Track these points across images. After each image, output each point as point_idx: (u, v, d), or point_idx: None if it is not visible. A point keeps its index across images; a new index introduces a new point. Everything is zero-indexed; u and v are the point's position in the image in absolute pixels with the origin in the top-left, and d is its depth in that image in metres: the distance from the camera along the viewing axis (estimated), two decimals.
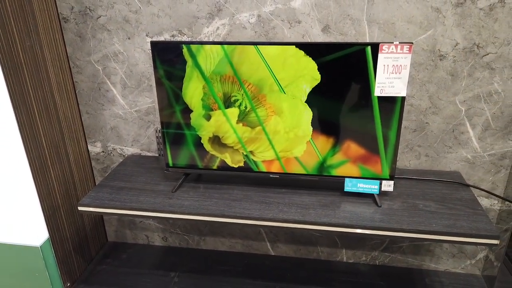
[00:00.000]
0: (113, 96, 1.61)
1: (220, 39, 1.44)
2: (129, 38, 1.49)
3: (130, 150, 1.72)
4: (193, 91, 1.31)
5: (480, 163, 1.48)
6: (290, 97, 1.25)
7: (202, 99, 1.31)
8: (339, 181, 1.34)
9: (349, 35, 1.36)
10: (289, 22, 1.37)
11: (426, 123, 1.45)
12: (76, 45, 1.54)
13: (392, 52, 1.15)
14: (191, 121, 1.35)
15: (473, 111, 1.40)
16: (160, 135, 1.63)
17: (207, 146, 1.38)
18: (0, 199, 1.43)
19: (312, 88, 1.23)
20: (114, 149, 1.73)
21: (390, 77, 1.18)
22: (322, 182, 1.41)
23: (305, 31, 1.38)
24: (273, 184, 1.43)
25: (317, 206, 1.31)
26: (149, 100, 1.59)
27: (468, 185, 1.42)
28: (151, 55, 1.35)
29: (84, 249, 1.76)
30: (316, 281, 1.67)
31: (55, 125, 1.49)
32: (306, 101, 1.25)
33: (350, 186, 1.33)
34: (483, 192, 1.51)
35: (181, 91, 1.32)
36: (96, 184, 1.81)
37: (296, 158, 1.34)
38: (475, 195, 1.37)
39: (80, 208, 1.37)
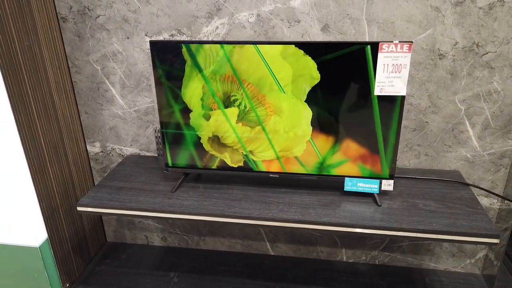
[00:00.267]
0: (112, 96, 1.61)
1: (219, 39, 1.44)
2: (128, 38, 1.49)
3: (129, 150, 1.71)
4: (192, 91, 1.31)
5: (480, 162, 1.48)
6: (290, 97, 1.25)
7: (201, 99, 1.31)
8: (339, 180, 1.34)
9: (349, 35, 1.36)
10: (288, 22, 1.37)
11: (426, 122, 1.45)
12: (74, 45, 1.54)
13: (392, 51, 1.15)
14: (190, 120, 1.35)
15: (473, 110, 1.40)
16: (159, 135, 1.62)
17: (207, 146, 1.38)
18: None
19: (312, 88, 1.23)
20: (113, 149, 1.72)
21: (390, 76, 1.18)
22: (322, 182, 1.41)
23: (304, 30, 1.38)
24: (273, 184, 1.43)
25: (317, 206, 1.30)
26: (148, 100, 1.59)
27: (467, 184, 1.42)
28: (150, 54, 1.35)
29: (83, 250, 1.75)
30: (316, 280, 1.67)
31: (53, 125, 1.49)
32: (305, 101, 1.25)
33: (350, 185, 1.33)
34: (482, 191, 1.51)
35: (180, 90, 1.31)
36: (95, 184, 1.81)
37: (296, 157, 1.34)
38: (475, 194, 1.37)
39: (79, 209, 1.36)
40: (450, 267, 1.71)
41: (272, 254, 1.84)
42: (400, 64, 1.16)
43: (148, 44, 1.48)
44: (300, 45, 1.19)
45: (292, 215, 1.25)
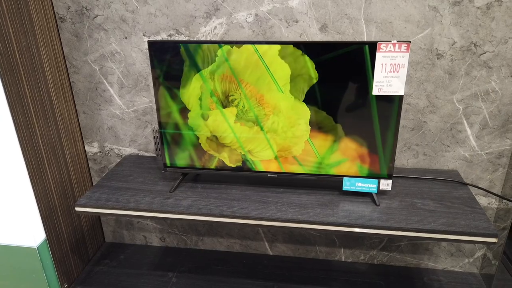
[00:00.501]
0: (110, 96, 1.61)
1: (217, 39, 1.44)
2: (126, 38, 1.49)
3: (127, 150, 1.71)
4: (190, 91, 1.30)
5: (478, 162, 1.48)
6: (288, 97, 1.25)
7: (199, 99, 1.31)
8: (337, 180, 1.34)
9: (347, 34, 1.36)
10: (286, 21, 1.37)
11: (424, 122, 1.45)
12: (72, 45, 1.53)
13: (390, 51, 1.15)
14: (188, 120, 1.35)
15: (471, 110, 1.41)
16: (157, 135, 1.62)
17: (205, 145, 1.38)
18: None
19: (310, 87, 1.23)
20: (111, 149, 1.72)
21: (388, 76, 1.18)
22: (321, 181, 1.41)
23: (302, 30, 1.38)
24: (271, 184, 1.43)
25: (316, 205, 1.30)
26: (147, 100, 1.59)
27: (466, 184, 1.42)
28: (148, 54, 1.35)
29: (82, 250, 1.75)
30: (315, 280, 1.67)
31: (51, 125, 1.48)
32: (304, 100, 1.25)
33: (348, 185, 1.33)
34: (481, 190, 1.51)
35: (179, 90, 1.31)
36: (93, 184, 1.80)
37: (294, 157, 1.34)
38: (473, 194, 1.37)
39: (77, 209, 1.36)
40: (449, 266, 1.72)
41: (271, 254, 1.84)
42: (398, 64, 1.16)
43: (146, 44, 1.48)
44: (298, 45, 1.19)
45: (291, 215, 1.25)
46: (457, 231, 1.17)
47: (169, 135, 1.39)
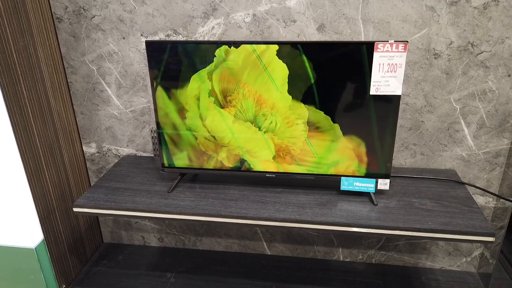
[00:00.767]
0: (108, 96, 1.60)
1: (215, 39, 1.44)
2: (123, 38, 1.49)
3: (125, 151, 1.71)
4: (188, 91, 1.30)
5: (475, 161, 1.49)
6: (286, 96, 1.25)
7: (197, 99, 1.31)
8: (335, 179, 1.34)
9: (344, 34, 1.36)
10: (284, 21, 1.37)
11: (421, 121, 1.45)
12: (70, 45, 1.53)
13: (387, 51, 1.16)
14: (186, 121, 1.35)
15: (468, 109, 1.41)
16: (155, 135, 1.62)
17: (203, 146, 1.38)
18: None
19: (308, 87, 1.23)
20: (109, 149, 1.72)
21: (385, 76, 1.18)
22: (319, 181, 1.41)
23: (300, 30, 1.38)
24: (270, 184, 1.43)
25: (314, 205, 1.31)
26: (144, 100, 1.58)
27: (463, 183, 1.43)
28: (146, 55, 1.35)
29: (80, 251, 1.75)
30: (313, 280, 1.67)
31: (49, 126, 1.48)
32: (301, 100, 1.25)
33: (346, 184, 1.33)
34: (478, 190, 1.51)
35: (177, 91, 1.31)
36: (91, 185, 1.80)
37: (292, 157, 1.34)
38: (470, 193, 1.37)
39: (75, 209, 1.36)
40: (446, 265, 1.72)
41: (269, 254, 1.84)
42: (396, 64, 1.17)
43: (144, 44, 1.48)
44: (296, 45, 1.20)
45: (289, 215, 1.26)
46: (454, 230, 1.17)
47: (167, 136, 1.38)
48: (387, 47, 1.15)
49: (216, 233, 1.83)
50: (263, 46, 1.21)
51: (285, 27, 1.38)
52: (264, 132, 1.31)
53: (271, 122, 1.30)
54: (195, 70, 1.27)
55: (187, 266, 1.77)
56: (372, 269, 1.74)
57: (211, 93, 1.29)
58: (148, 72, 1.48)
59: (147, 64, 1.49)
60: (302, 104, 1.26)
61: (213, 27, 1.42)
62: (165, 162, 1.43)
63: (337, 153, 1.31)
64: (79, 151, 1.71)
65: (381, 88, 1.20)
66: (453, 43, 1.32)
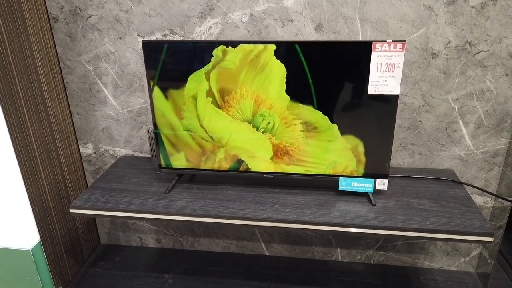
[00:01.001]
0: (104, 97, 1.59)
1: (212, 39, 1.43)
2: (120, 38, 1.48)
3: (122, 151, 1.70)
4: (186, 91, 1.30)
5: (473, 161, 1.48)
6: (284, 97, 1.25)
7: (195, 99, 1.30)
8: (334, 180, 1.34)
9: (342, 34, 1.36)
10: (281, 21, 1.37)
11: (419, 121, 1.45)
12: (66, 45, 1.52)
13: (385, 51, 1.15)
14: (184, 121, 1.34)
15: (466, 109, 1.41)
16: (152, 135, 1.61)
17: (201, 146, 1.37)
18: None
19: (306, 87, 1.23)
20: (106, 150, 1.71)
21: (383, 76, 1.18)
22: (317, 182, 1.41)
23: (298, 30, 1.37)
24: (268, 184, 1.43)
25: (312, 206, 1.30)
26: (141, 100, 1.58)
27: (461, 183, 1.42)
28: (142, 55, 1.34)
29: (77, 252, 1.74)
30: (311, 281, 1.67)
31: (45, 127, 1.47)
32: (299, 100, 1.25)
33: (344, 185, 1.33)
34: (476, 189, 1.51)
35: (174, 91, 1.30)
36: (88, 186, 1.79)
37: (290, 157, 1.33)
38: (469, 193, 1.37)
39: (71, 211, 1.35)
40: (445, 265, 1.72)
41: (267, 254, 1.83)
42: (394, 63, 1.16)
43: (140, 44, 1.47)
44: (294, 44, 1.19)
45: (287, 215, 1.25)
46: (453, 230, 1.17)
47: (164, 136, 1.38)
48: (385, 47, 1.15)
49: (214, 234, 1.83)
50: (261, 46, 1.20)
51: (282, 27, 1.38)
52: (262, 133, 1.31)
53: (269, 123, 1.29)
54: (192, 70, 1.27)
55: (185, 267, 1.76)
56: (370, 269, 1.73)
57: (209, 93, 1.29)
58: (145, 72, 1.47)
59: (144, 64, 1.48)
60: (300, 104, 1.25)
61: (210, 27, 1.41)
62: (162, 163, 1.42)
63: (335, 153, 1.31)
64: (76, 152, 1.70)
65: (379, 88, 1.20)
66: (451, 43, 1.32)
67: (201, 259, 1.81)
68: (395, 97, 1.20)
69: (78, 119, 1.66)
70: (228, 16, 1.39)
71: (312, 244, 1.77)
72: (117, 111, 1.61)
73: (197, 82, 1.28)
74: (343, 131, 1.27)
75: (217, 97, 1.29)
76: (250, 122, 1.30)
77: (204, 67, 1.25)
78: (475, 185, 1.50)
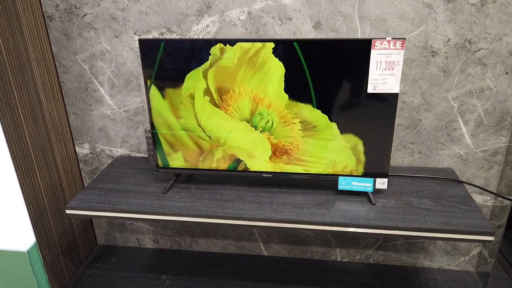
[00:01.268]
0: (100, 96, 1.58)
1: (210, 37, 1.42)
2: (116, 37, 1.46)
3: (119, 151, 1.69)
4: (183, 90, 1.28)
5: (473, 160, 1.48)
6: (282, 95, 1.23)
7: (192, 98, 1.29)
8: (333, 179, 1.33)
9: (341, 32, 1.35)
10: (280, 19, 1.36)
11: (419, 120, 1.44)
12: (61, 44, 1.50)
13: (384, 48, 1.14)
14: (181, 120, 1.33)
15: (466, 107, 1.40)
16: (149, 135, 1.59)
17: (198, 146, 1.36)
18: None
19: (304, 86, 1.22)
20: (103, 150, 1.69)
21: (383, 74, 1.17)
22: (316, 181, 1.40)
23: (296, 28, 1.36)
24: (266, 184, 1.41)
25: (311, 205, 1.29)
26: (138, 99, 1.56)
27: (461, 182, 1.42)
28: (139, 53, 1.32)
29: (73, 253, 1.72)
30: (311, 281, 1.66)
31: (41, 127, 1.45)
32: (298, 99, 1.23)
33: (344, 184, 1.31)
34: (476, 188, 1.51)
35: (171, 90, 1.29)
36: (85, 186, 1.77)
37: (289, 156, 1.32)
38: (469, 192, 1.36)
39: (68, 212, 1.33)
40: (445, 265, 1.71)
41: (266, 255, 1.82)
42: (393, 61, 1.15)
43: (137, 42, 1.45)
44: (292, 42, 1.18)
45: (286, 215, 1.24)
46: (453, 229, 1.16)
47: (161, 136, 1.36)
48: (385, 44, 1.14)
49: (212, 234, 1.81)
50: (259, 44, 1.19)
51: (280, 25, 1.36)
52: (261, 132, 1.30)
53: (267, 122, 1.28)
54: (190, 69, 1.25)
55: (183, 268, 1.75)
56: (370, 269, 1.72)
57: (206, 92, 1.27)
58: (141, 71, 1.46)
59: (140, 63, 1.46)
60: (299, 103, 1.24)
61: (207, 25, 1.40)
62: (160, 163, 1.41)
63: (334, 152, 1.29)
64: (72, 152, 1.68)
65: (378, 86, 1.19)
66: (450, 41, 1.31)
67: (199, 260, 1.80)
68: (395, 96, 1.19)
69: (74, 119, 1.64)
70: (225, 14, 1.37)
71: (311, 244, 1.76)
72: (114, 110, 1.60)
73: (194, 81, 1.26)
74: (342, 130, 1.26)
75: (215, 96, 1.27)
76: (248, 121, 1.29)
77: (202, 66, 1.24)
78: (475, 184, 1.49)
